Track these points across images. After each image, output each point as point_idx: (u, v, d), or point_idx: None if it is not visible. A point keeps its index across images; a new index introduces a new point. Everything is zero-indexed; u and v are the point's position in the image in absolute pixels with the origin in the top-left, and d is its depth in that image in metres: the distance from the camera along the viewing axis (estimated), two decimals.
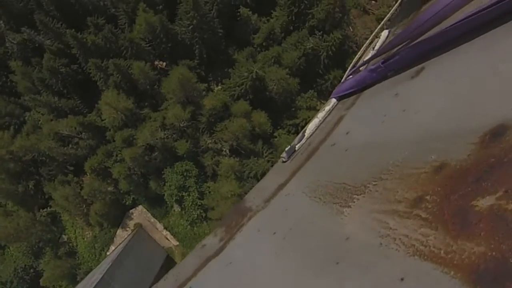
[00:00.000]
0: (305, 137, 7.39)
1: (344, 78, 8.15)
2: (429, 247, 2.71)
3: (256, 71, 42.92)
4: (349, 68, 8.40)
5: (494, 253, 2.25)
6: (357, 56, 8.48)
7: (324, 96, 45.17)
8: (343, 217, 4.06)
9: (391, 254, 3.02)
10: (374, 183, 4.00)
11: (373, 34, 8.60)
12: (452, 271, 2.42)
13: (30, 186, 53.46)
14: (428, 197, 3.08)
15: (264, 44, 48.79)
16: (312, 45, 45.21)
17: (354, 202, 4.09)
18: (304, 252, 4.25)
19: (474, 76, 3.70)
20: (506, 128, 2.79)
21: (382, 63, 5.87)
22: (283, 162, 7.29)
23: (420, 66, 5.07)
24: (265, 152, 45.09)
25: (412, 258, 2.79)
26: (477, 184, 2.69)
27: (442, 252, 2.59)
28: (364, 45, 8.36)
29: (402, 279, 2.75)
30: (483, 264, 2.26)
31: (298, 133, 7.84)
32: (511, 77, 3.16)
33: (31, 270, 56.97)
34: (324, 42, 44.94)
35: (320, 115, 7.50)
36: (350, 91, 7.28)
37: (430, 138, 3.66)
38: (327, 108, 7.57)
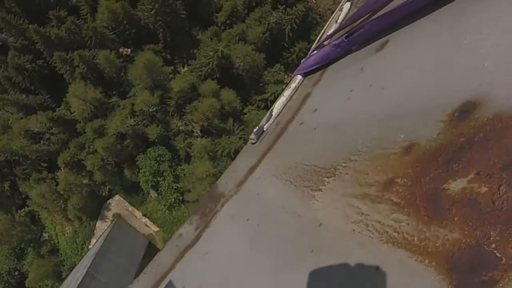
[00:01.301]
0: (273, 116, 7.29)
1: (309, 54, 8.03)
2: (402, 234, 2.66)
3: (221, 50, 43.27)
4: (314, 44, 8.30)
5: (468, 240, 2.20)
6: (322, 31, 8.38)
7: (291, 69, 45.69)
8: (314, 202, 3.99)
9: (365, 242, 2.96)
10: (344, 165, 3.93)
11: (338, 8, 8.49)
12: (427, 259, 2.38)
13: (5, 188, 53.43)
14: (399, 180, 3.02)
15: (227, 22, 49.10)
16: (275, 19, 45.56)
17: (325, 185, 4.01)
18: (278, 240, 4.19)
19: (440, 49, 3.62)
20: (475, 104, 2.72)
21: (346, 37, 5.78)
22: (253, 143, 7.19)
23: (384, 39, 5.00)
24: (237, 130, 45.62)
25: (386, 246, 2.74)
26: (448, 166, 2.63)
27: (415, 239, 2.54)
28: (330, 19, 8.27)
29: (377, 268, 2.70)
30: (458, 252, 2.22)
31: (267, 108, 7.75)
32: (478, 50, 3.06)
33: (16, 273, 57.00)
34: (287, 15, 45.25)
35: (286, 93, 7.40)
36: (315, 67, 7.18)
37: (398, 116, 3.58)
38: (293, 85, 7.47)
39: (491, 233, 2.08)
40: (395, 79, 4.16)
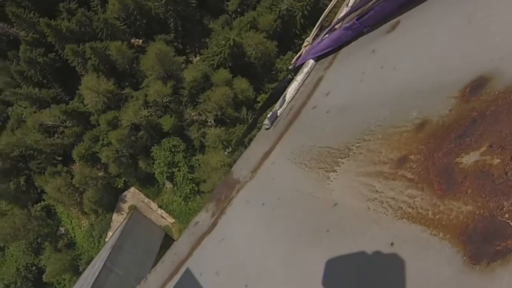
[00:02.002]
0: (286, 101, 7.31)
1: (311, 36, 8.02)
2: (417, 209, 2.68)
3: (233, 38, 43.13)
4: (315, 26, 8.29)
5: (481, 211, 2.22)
6: (324, 12, 8.35)
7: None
8: (329, 183, 4.02)
9: (380, 218, 2.99)
10: (357, 145, 3.95)
11: None
12: (441, 233, 2.40)
13: (21, 182, 53.65)
14: (412, 157, 3.04)
15: (238, 10, 48.96)
16: (286, 6, 45.40)
17: (339, 166, 4.04)
18: (293, 222, 4.23)
19: (450, 27, 3.61)
20: (486, 79, 2.72)
21: (357, 19, 5.77)
22: (266, 129, 7.24)
23: (395, 20, 4.98)
24: (250, 119, 45.39)
25: (401, 221, 2.76)
26: (460, 140, 2.64)
27: (429, 213, 2.56)
28: (331, 2, 8.25)
29: (392, 244, 2.73)
30: (472, 224, 2.24)
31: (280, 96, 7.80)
32: (488, 26, 3.07)
33: (33, 268, 57.38)
34: (298, 2, 45.05)
35: (299, 77, 7.40)
36: (327, 50, 7.19)
37: (410, 95, 3.59)
38: (305, 70, 7.47)
39: (504, 204, 2.10)
40: (406, 59, 4.17)
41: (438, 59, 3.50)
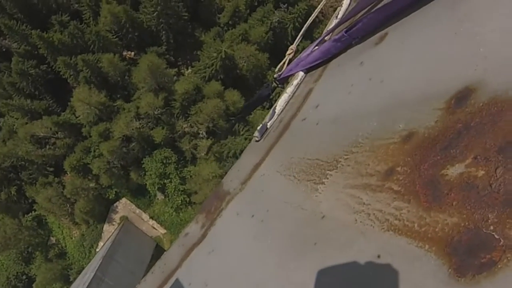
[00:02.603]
0: (276, 113, 7.34)
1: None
2: (403, 221, 2.69)
3: (224, 50, 43.45)
4: (299, 34, 8.34)
5: (467, 223, 2.23)
6: (309, 20, 8.40)
7: None
8: (317, 195, 4.02)
9: (367, 231, 3.00)
10: (345, 157, 3.96)
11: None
12: (427, 245, 2.40)
13: (12, 192, 53.61)
14: (399, 169, 3.04)
15: (230, 22, 49.34)
16: (278, 18, 45.82)
17: (328, 178, 4.04)
18: (282, 234, 4.21)
19: (437, 39, 3.65)
20: (471, 90, 2.74)
21: (346, 31, 5.80)
22: (257, 141, 7.24)
23: (383, 31, 5.02)
24: (242, 130, 45.69)
25: (387, 234, 2.77)
26: (445, 152, 2.66)
27: (415, 225, 2.56)
28: (311, 16, 8.32)
29: (378, 256, 2.73)
30: (457, 236, 2.24)
31: (272, 107, 7.85)
32: (474, 37, 3.09)
33: (24, 277, 57.35)
34: (290, 14, 45.53)
35: (289, 89, 7.45)
36: (316, 63, 7.21)
37: (397, 107, 3.61)
38: (295, 82, 7.51)
39: (489, 216, 2.10)
40: (394, 70, 4.19)
41: (425, 70, 3.52)
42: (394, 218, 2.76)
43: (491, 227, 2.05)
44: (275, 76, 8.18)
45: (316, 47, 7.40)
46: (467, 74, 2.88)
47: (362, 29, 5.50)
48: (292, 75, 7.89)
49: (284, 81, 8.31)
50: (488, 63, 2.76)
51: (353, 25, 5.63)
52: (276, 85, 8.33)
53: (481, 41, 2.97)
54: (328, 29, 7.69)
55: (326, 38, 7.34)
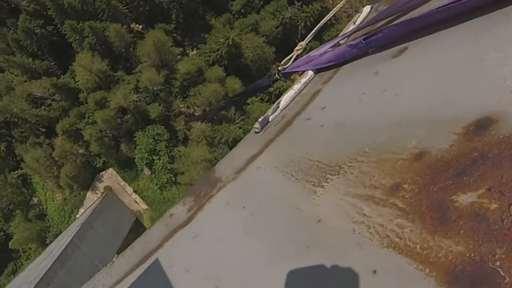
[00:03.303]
0: (279, 108, 7.26)
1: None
2: (405, 240, 2.63)
3: (232, 38, 43.65)
4: (311, 32, 8.29)
5: (472, 254, 2.17)
6: (322, 20, 8.37)
7: None
8: (315, 197, 3.96)
9: (365, 243, 2.94)
10: (349, 164, 3.90)
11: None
12: (427, 269, 2.35)
13: (1, 148, 53.91)
14: (406, 186, 2.99)
15: (242, 11, 49.39)
16: (290, 14, 45.90)
17: (328, 182, 3.98)
18: (273, 231, 4.15)
19: (461, 62, 3.59)
20: (492, 121, 2.70)
21: (364, 39, 5.74)
22: (256, 132, 7.15)
23: (403, 45, 4.95)
24: (237, 119, 46.01)
25: (386, 250, 2.71)
26: (458, 178, 2.60)
27: (418, 247, 2.51)
28: (325, 17, 8.29)
29: (374, 272, 2.68)
30: (460, 265, 2.19)
31: (271, 102, 7.78)
32: (500, 68, 3.04)
33: (1, 233, 57.56)
34: (303, 12, 45.56)
35: (296, 87, 7.36)
36: (328, 65, 7.16)
37: (410, 123, 3.55)
38: (303, 80, 7.42)
39: (497, 251, 2.06)
40: (410, 86, 4.14)
41: (444, 92, 3.48)
42: (396, 235, 2.72)
43: (498, 263, 2.01)
44: (279, 68, 8.10)
45: (330, 49, 7.35)
46: (489, 104, 2.85)
47: (382, 40, 5.44)
48: (298, 72, 7.85)
49: (288, 76, 8.24)
50: None
51: (373, 34, 5.59)
52: (278, 77, 8.24)
53: (508, 73, 2.93)
54: (344, 33, 7.63)
55: (341, 42, 7.30)
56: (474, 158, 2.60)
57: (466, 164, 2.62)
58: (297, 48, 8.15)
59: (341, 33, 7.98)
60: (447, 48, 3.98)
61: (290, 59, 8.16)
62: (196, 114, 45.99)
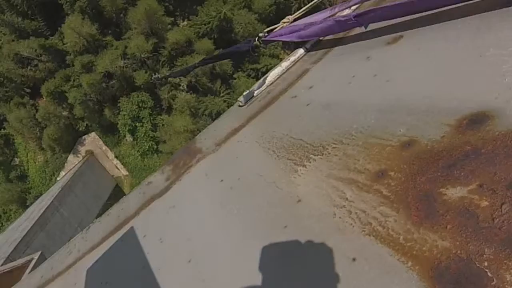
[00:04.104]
0: (265, 84, 7.18)
1: (293, 16, 7.85)
2: (387, 230, 2.58)
3: (224, 12, 43.65)
4: (305, 7, 8.16)
5: (459, 251, 2.12)
6: (311, 3, 8.27)
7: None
8: (296, 177, 3.92)
9: (345, 228, 2.89)
10: (334, 145, 3.86)
11: None
12: (410, 262, 2.30)
13: None
14: (392, 173, 2.94)
15: None
16: None
17: (310, 162, 3.94)
18: (250, 207, 4.11)
19: (460, 56, 3.51)
20: (488, 117, 2.64)
21: (354, 16, 5.65)
22: (240, 106, 7.09)
23: (399, 33, 4.90)
24: (223, 92, 46.43)
25: (368, 238, 2.66)
26: (448, 170, 2.55)
27: (401, 238, 2.46)
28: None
29: (354, 259, 2.63)
30: (445, 262, 2.14)
31: (257, 78, 7.69)
32: (500, 65, 2.98)
33: None
34: None
35: (284, 64, 7.27)
36: (313, 38, 7.10)
37: (400, 110, 3.50)
38: (292, 58, 7.33)
39: (486, 250, 2.01)
40: (403, 73, 4.09)
41: (439, 83, 3.41)
42: (378, 223, 2.67)
43: (486, 263, 1.96)
44: (260, 34, 7.98)
45: (317, 22, 7.25)
46: (486, 100, 2.79)
47: (373, 19, 5.39)
48: (283, 43, 7.76)
49: (268, 43, 8.12)
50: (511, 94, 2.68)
51: (365, 12, 5.52)
52: (258, 43, 8.12)
53: (508, 71, 2.88)
54: (332, 7, 7.56)
55: (329, 15, 7.21)
56: (466, 152, 2.56)
57: (457, 158, 2.57)
58: (284, 20, 8.03)
59: (330, 7, 7.91)
60: (447, 41, 3.90)
61: (275, 28, 8.05)
62: (181, 84, 46.21)
